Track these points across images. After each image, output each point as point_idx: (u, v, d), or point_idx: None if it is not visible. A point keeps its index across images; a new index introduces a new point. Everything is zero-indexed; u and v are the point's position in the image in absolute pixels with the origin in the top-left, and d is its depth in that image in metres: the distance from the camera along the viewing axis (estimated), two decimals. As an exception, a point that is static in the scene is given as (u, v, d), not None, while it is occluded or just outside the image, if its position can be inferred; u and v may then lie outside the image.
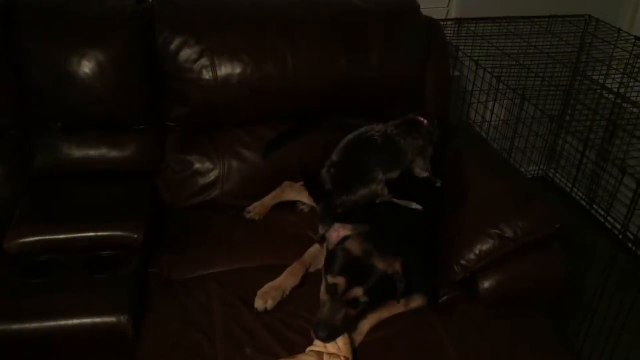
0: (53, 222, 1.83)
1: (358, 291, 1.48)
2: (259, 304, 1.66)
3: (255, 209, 2.10)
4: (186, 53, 2.09)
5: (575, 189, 3.15)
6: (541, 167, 3.40)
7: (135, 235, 1.81)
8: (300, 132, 2.21)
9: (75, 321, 1.59)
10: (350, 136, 2.02)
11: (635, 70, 2.67)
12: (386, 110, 2.25)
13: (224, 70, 2.10)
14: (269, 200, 2.14)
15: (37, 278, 1.70)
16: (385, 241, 1.54)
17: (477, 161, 2.05)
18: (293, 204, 2.17)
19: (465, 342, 1.60)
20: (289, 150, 2.19)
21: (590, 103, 2.91)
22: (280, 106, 2.21)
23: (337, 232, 1.56)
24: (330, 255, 1.55)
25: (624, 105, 2.79)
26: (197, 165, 2.17)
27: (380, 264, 1.50)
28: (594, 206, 3.04)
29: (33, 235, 1.76)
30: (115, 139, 2.13)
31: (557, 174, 3.36)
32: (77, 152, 2.10)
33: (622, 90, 2.77)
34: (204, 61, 2.09)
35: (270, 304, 1.66)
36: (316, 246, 1.85)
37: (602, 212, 2.97)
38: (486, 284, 1.79)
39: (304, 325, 1.59)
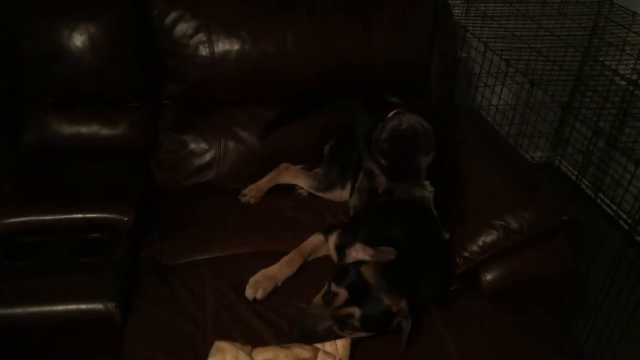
0: (39, 202, 1.76)
1: (354, 311, 1.39)
2: (249, 292, 1.59)
3: (251, 192, 2.02)
4: (182, 28, 2.00)
5: (581, 178, 3.07)
6: (547, 153, 3.31)
7: (126, 218, 1.74)
8: (299, 113, 2.12)
9: (60, 307, 1.52)
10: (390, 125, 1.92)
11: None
12: (395, 93, 2.16)
13: (221, 46, 2.01)
14: (265, 183, 2.06)
15: (22, 261, 1.63)
16: (400, 278, 1.45)
17: (482, 149, 1.98)
18: (290, 188, 2.10)
19: (465, 338, 1.54)
20: (287, 132, 2.11)
21: (602, 90, 2.81)
22: (279, 86, 2.12)
23: (357, 252, 1.48)
24: (343, 269, 1.47)
25: (636, 92, 2.70)
26: (192, 146, 2.09)
27: (386, 299, 1.41)
28: (600, 195, 2.96)
29: (18, 216, 1.69)
30: (108, 116, 2.05)
31: (563, 162, 3.27)
32: (68, 129, 2.02)
33: (634, 77, 2.67)
34: (200, 37, 2.00)
35: (260, 294, 1.59)
36: (318, 237, 1.78)
37: (609, 202, 2.90)
38: (489, 277, 1.73)
39: (298, 316, 1.53)
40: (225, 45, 2.01)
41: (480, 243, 1.72)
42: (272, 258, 1.71)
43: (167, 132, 2.09)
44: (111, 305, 1.54)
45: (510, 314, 1.64)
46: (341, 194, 2.05)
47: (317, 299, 1.46)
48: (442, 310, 1.61)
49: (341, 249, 1.67)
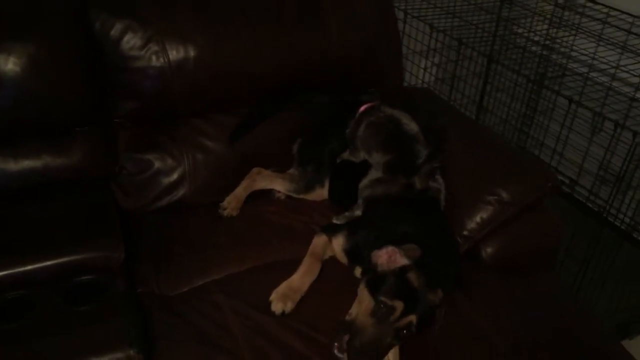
0: (11, 252, 1.55)
1: (412, 319, 1.38)
2: (277, 307, 1.53)
3: (231, 205, 1.93)
4: (131, 39, 1.84)
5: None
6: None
7: (116, 254, 1.58)
8: (265, 115, 2.05)
9: (75, 368, 1.36)
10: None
11: (560, 21, 2.78)
12: (350, 83, 2.15)
13: (176, 55, 1.88)
14: (241, 191, 1.98)
15: (11, 322, 1.43)
16: (430, 271, 1.45)
17: (459, 131, 2.02)
18: (267, 193, 2.03)
19: (492, 311, 1.59)
20: (256, 136, 2.04)
21: (516, 57, 2.99)
22: (241, 89, 2.03)
23: (390, 255, 1.45)
24: (385, 279, 1.42)
25: (551, 55, 2.90)
26: (158, 164, 1.94)
27: (430, 296, 1.42)
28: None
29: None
30: (58, 144, 1.85)
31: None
32: (16, 166, 1.79)
33: (547, 42, 2.86)
34: (153, 47, 1.86)
35: (289, 307, 1.53)
36: (322, 237, 1.73)
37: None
38: (489, 250, 1.80)
39: (333, 326, 1.49)
40: (181, 54, 1.88)
41: (479, 220, 1.78)
42: (279, 269, 1.66)
43: (127, 154, 1.93)
44: (134, 353, 1.40)
45: (522, 281, 1.71)
46: (322, 193, 2.02)
47: (364, 317, 1.40)
48: (461, 292, 1.65)
49: (354, 251, 1.65)
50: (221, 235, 1.82)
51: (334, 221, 1.83)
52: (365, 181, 1.81)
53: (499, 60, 2.86)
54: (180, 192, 1.96)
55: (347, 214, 1.82)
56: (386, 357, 1.40)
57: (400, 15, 2.68)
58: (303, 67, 2.08)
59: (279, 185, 2.02)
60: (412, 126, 1.85)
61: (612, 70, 2.39)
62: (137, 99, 1.91)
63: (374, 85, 2.26)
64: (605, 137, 2.20)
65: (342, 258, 1.71)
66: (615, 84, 2.44)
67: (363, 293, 1.44)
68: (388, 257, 1.44)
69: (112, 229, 1.65)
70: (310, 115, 2.10)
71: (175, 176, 1.95)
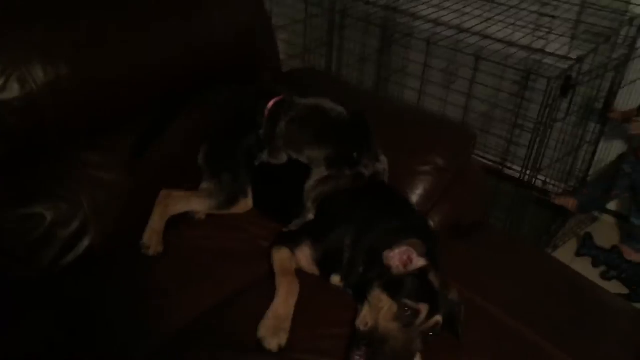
0: None
1: (438, 319, 1.29)
2: (272, 344, 1.33)
3: (152, 240, 1.63)
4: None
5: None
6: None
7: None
8: (160, 126, 1.76)
9: None
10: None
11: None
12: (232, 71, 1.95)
13: (43, 77, 1.51)
14: (157, 223, 1.68)
15: None
16: (436, 264, 1.39)
17: (375, 109, 1.91)
18: (184, 215, 1.76)
19: (480, 282, 1.56)
20: (157, 152, 1.74)
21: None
22: (124, 100, 1.71)
23: (405, 255, 1.33)
24: (403, 281, 1.32)
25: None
26: (50, 215, 1.56)
27: (451, 295, 1.35)
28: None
29: None
30: None
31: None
32: None
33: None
34: (10, 73, 1.46)
35: (284, 339, 1.35)
36: (284, 251, 1.55)
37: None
38: (437, 219, 1.79)
39: (339, 344, 1.35)
40: (49, 76, 1.51)
41: (422, 192, 1.77)
42: (246, 299, 1.47)
43: (6, 211, 1.51)
44: None
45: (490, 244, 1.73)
46: (246, 204, 1.82)
47: (388, 323, 1.28)
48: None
49: (327, 258, 1.52)
50: (159, 279, 1.54)
51: (286, 230, 1.65)
52: (310, 182, 1.64)
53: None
54: (86, 242, 1.60)
55: (296, 221, 1.65)
56: None
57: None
58: (188, 61, 1.83)
59: (197, 205, 1.77)
60: (338, 110, 1.72)
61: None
62: (6, 141, 1.50)
63: (254, 70, 2.08)
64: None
65: (312, 269, 1.56)
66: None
67: (381, 298, 1.32)
68: (401, 258, 1.34)
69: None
70: (210, 116, 1.86)
71: (75, 224, 1.59)
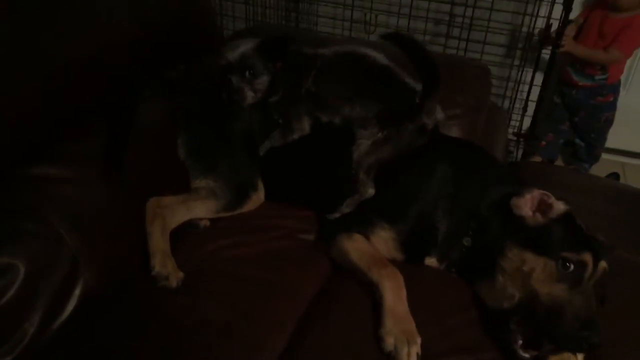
0: None
1: (605, 266, 1.08)
2: (411, 353, 1.02)
3: (167, 267, 1.20)
4: None
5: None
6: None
7: None
8: (126, 125, 1.29)
9: None
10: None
11: None
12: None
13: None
14: (161, 242, 1.25)
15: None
16: None
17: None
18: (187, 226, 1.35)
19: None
20: (137, 152, 1.28)
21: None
22: (83, 96, 1.24)
23: (535, 201, 1.10)
24: (550, 232, 1.08)
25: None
26: (26, 265, 1.06)
27: (599, 236, 1.13)
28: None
29: None
30: None
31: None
32: None
33: None
34: None
35: (417, 343, 1.04)
36: (356, 237, 1.24)
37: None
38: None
39: (480, 332, 1.08)
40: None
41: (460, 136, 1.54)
42: (333, 308, 1.14)
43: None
44: None
45: None
46: (259, 197, 1.46)
47: (548, 287, 1.04)
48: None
49: (418, 239, 1.24)
50: (198, 317, 1.11)
51: (336, 215, 1.31)
52: (361, 149, 1.31)
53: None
54: (79, 287, 1.13)
55: (349, 200, 1.30)
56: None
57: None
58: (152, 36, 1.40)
59: (200, 211, 1.36)
60: (380, 57, 1.37)
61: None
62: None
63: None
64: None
65: (395, 254, 1.26)
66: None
67: (524, 258, 1.07)
68: (534, 204, 1.10)
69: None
70: (177, 101, 1.44)
71: (60, 268, 1.10)
